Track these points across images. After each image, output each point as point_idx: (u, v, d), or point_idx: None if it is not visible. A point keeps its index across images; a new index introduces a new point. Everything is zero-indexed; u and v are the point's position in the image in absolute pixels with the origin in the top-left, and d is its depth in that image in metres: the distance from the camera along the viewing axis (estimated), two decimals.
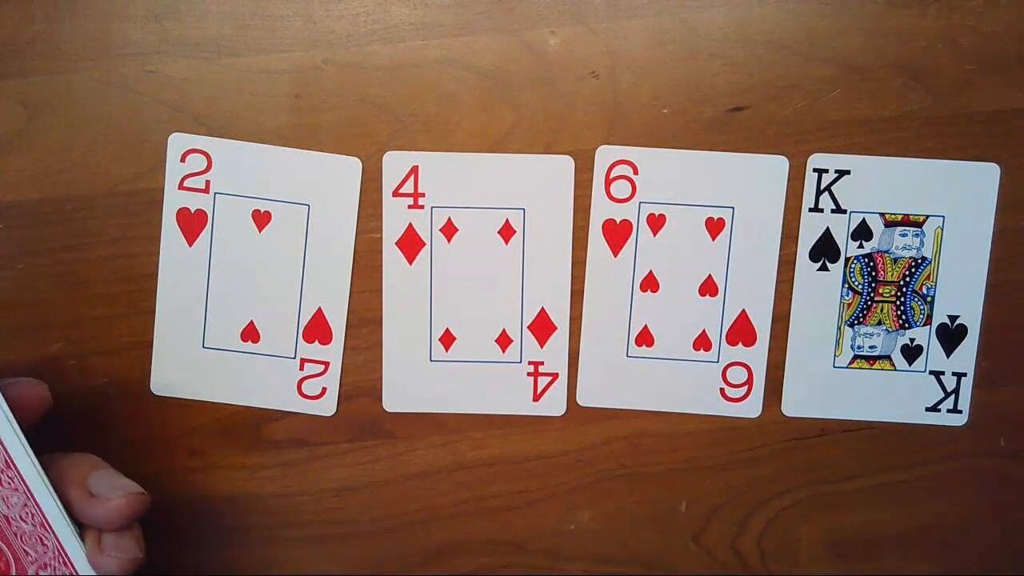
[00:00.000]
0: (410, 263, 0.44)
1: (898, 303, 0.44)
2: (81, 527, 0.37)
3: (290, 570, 0.46)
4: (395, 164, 0.44)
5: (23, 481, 0.36)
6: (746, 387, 0.45)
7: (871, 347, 0.44)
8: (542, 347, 0.44)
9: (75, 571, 0.37)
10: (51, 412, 0.38)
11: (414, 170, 0.44)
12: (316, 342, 0.44)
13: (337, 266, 0.44)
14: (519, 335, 0.44)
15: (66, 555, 0.37)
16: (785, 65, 0.43)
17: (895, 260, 0.44)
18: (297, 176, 0.43)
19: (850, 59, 0.43)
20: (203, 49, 0.43)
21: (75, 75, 0.43)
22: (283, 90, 0.43)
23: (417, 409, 0.45)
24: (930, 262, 0.44)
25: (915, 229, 0.44)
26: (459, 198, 0.44)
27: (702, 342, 0.44)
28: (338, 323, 0.44)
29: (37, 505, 0.36)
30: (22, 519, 0.36)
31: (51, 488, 0.36)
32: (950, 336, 0.44)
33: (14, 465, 0.36)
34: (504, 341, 0.44)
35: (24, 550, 0.37)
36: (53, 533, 0.36)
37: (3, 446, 0.36)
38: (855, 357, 0.45)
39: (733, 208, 0.44)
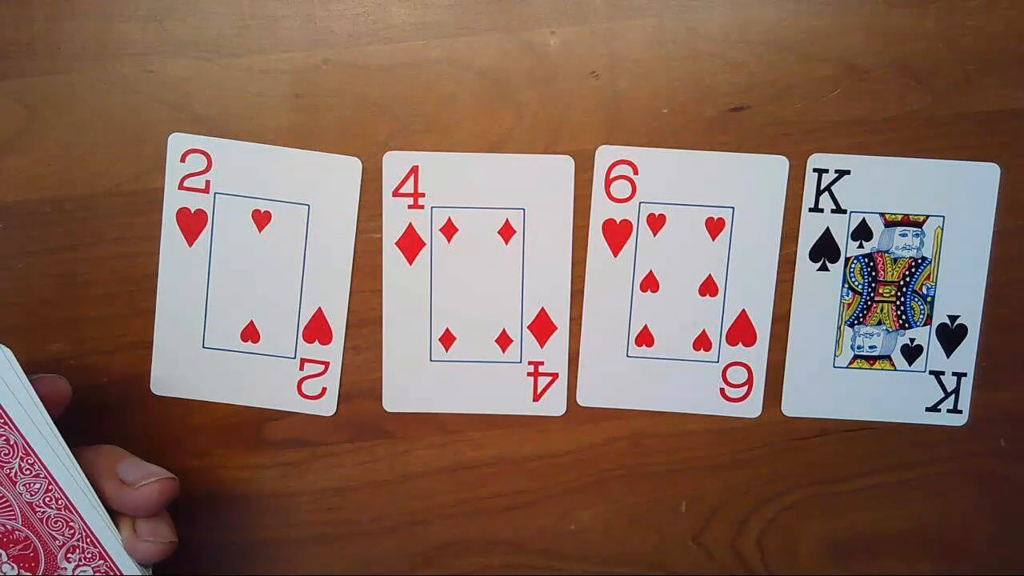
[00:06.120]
0: (410, 263, 0.44)
1: (898, 303, 0.44)
2: (113, 517, 0.38)
3: (290, 570, 0.46)
4: (395, 164, 0.44)
5: (44, 467, 0.37)
6: (746, 387, 0.45)
7: (871, 347, 0.44)
8: (542, 347, 0.44)
9: (103, 549, 0.37)
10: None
11: (414, 170, 0.44)
12: (316, 342, 0.44)
13: (337, 266, 0.44)
14: (519, 335, 0.44)
15: (93, 535, 0.37)
16: (785, 65, 0.43)
17: (895, 260, 0.44)
18: (297, 176, 0.43)
19: (850, 59, 0.43)
20: (203, 49, 0.43)
21: (75, 75, 0.43)
22: (283, 90, 0.43)
23: (417, 409, 0.45)
24: (930, 262, 0.44)
25: (915, 229, 0.44)
26: (459, 198, 0.44)
27: (702, 342, 0.44)
28: (338, 323, 0.44)
29: (60, 489, 0.37)
30: (46, 504, 0.37)
31: (76, 472, 0.37)
32: (950, 336, 0.44)
33: (33, 452, 0.37)
34: (504, 341, 0.44)
35: (51, 535, 0.37)
36: (78, 515, 0.37)
37: (21, 435, 0.36)
38: (855, 357, 0.44)
39: (733, 208, 0.44)
